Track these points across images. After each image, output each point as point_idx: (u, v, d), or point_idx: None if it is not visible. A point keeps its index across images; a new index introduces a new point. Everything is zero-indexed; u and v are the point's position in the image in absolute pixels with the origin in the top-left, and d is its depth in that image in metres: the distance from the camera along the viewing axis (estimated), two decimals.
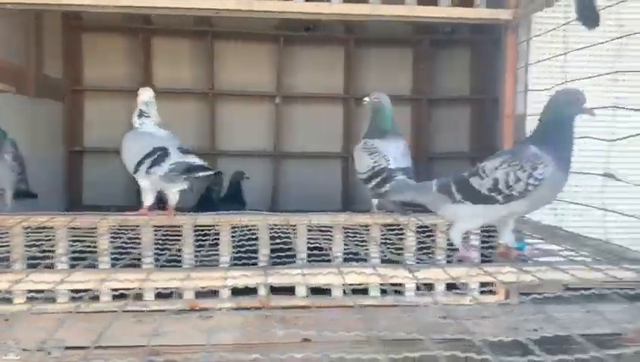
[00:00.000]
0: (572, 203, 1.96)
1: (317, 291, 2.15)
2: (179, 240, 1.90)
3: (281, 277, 1.38)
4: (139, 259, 2.09)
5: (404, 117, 4.41)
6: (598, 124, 2.17)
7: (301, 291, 2.25)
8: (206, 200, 3.13)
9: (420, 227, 2.32)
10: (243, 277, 1.36)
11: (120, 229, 2.16)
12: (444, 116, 4.49)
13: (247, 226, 2.23)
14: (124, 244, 1.97)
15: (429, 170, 4.21)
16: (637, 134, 1.53)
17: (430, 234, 2.28)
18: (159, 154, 2.05)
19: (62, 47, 4.08)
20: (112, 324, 1.13)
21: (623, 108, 1.98)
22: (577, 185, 2.15)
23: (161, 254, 1.97)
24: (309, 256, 2.22)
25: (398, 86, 4.46)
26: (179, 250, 1.83)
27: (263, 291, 2.30)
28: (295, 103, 4.51)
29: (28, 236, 2.06)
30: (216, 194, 3.25)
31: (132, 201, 3.48)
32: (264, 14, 2.30)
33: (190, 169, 2.05)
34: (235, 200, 3.41)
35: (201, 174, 2.08)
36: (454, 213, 1.60)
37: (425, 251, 2.26)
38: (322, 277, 1.40)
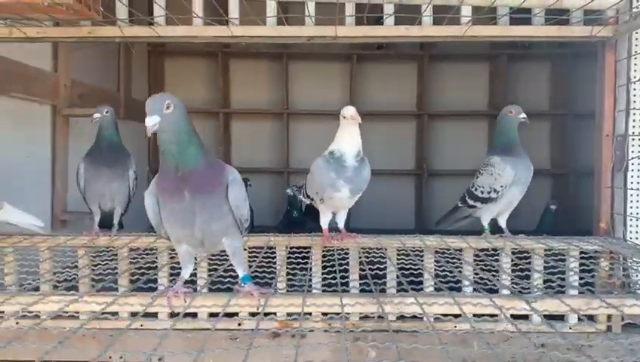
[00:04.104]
0: None
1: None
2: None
3: (395, 306, 1.38)
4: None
5: (480, 131, 4.34)
6: None
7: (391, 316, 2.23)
8: (291, 218, 3.18)
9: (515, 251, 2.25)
10: (357, 305, 1.37)
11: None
12: (523, 130, 4.35)
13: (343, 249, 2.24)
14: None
15: None
16: None
17: (527, 257, 2.20)
18: None
19: (147, 72, 4.31)
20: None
21: None
22: None
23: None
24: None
25: (473, 101, 4.40)
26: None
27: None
28: (367, 120, 4.52)
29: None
30: (298, 211, 3.28)
31: None
32: (347, 40, 2.31)
33: None
34: (314, 217, 3.44)
35: None
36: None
37: (519, 276, 2.19)
38: (438, 306, 1.39)
